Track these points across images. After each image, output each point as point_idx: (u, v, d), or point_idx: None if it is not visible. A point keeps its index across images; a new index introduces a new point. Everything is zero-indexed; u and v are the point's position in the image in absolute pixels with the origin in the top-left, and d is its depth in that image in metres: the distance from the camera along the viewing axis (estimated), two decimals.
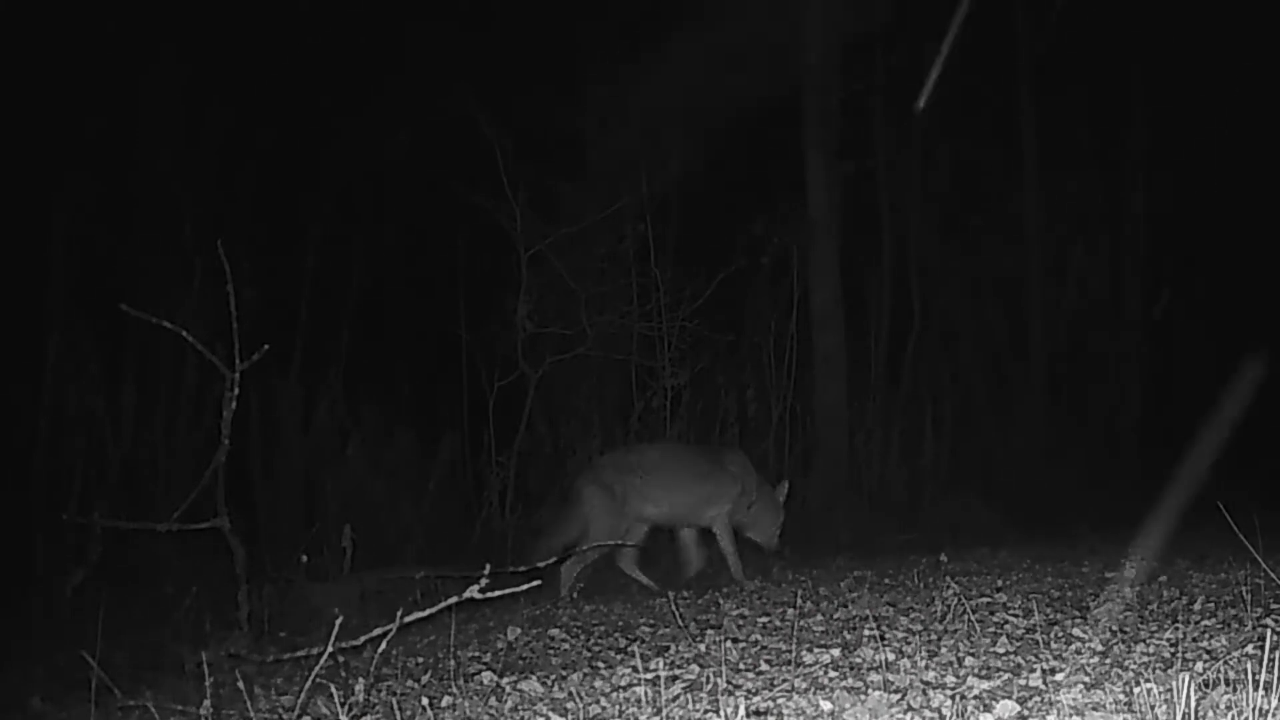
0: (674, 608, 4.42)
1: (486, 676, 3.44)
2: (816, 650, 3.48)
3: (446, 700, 3.19)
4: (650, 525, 5.49)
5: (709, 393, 7.79)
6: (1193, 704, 2.39)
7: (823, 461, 8.00)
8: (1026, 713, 2.62)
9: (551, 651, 3.94)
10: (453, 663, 3.70)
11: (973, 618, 3.76)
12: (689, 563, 5.60)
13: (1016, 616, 3.89)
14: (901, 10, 9.04)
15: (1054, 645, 3.36)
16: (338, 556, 5.32)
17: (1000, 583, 4.72)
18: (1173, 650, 3.19)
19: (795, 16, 8.05)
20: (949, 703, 2.74)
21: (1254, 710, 2.38)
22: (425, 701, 3.15)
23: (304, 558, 5.19)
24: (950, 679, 3.02)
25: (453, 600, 3.56)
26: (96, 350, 6.81)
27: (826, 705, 2.79)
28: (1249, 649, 3.06)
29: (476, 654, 3.94)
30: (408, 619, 3.45)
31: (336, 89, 8.33)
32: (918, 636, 3.63)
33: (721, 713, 2.78)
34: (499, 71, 8.47)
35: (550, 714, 2.96)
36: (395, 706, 3.06)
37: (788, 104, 8.14)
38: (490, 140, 7.37)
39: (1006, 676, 3.00)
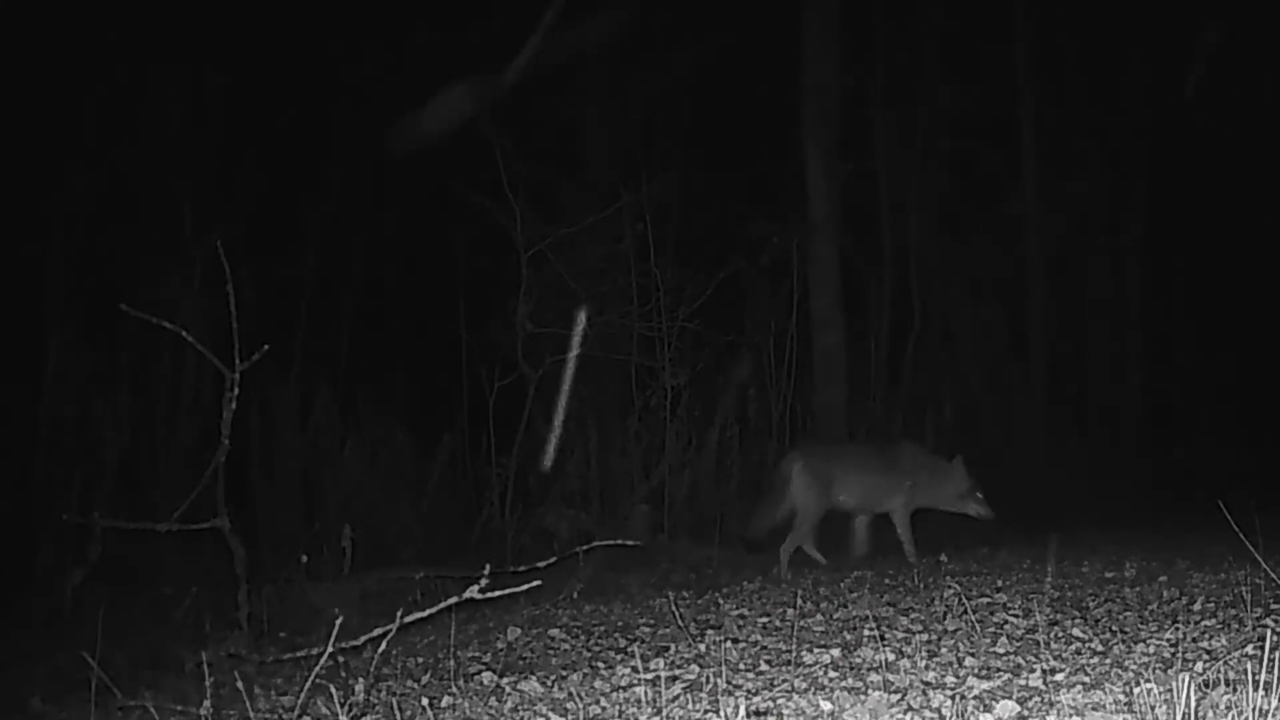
0: (674, 608, 4.41)
1: (486, 676, 3.44)
2: (816, 650, 3.48)
3: (446, 700, 3.19)
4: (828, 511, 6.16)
5: (709, 393, 7.77)
6: (1193, 704, 2.39)
7: None
8: (1026, 713, 2.62)
9: (551, 651, 3.94)
10: (453, 663, 3.70)
11: (973, 618, 3.76)
12: (859, 545, 6.36)
13: (1016, 616, 3.88)
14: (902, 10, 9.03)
15: (1054, 645, 3.36)
16: (338, 556, 5.33)
17: (1000, 583, 4.72)
18: (1173, 650, 3.19)
19: (795, 16, 8.03)
20: (949, 703, 2.74)
21: (1254, 710, 2.38)
22: (425, 701, 3.15)
23: (304, 558, 5.20)
24: (950, 679, 3.02)
25: (453, 600, 3.56)
26: (95, 351, 6.81)
27: (826, 705, 2.79)
28: (1249, 649, 3.06)
29: (476, 654, 3.93)
30: (408, 619, 3.45)
31: (337, 89, 8.33)
32: (918, 636, 3.63)
33: (721, 713, 2.77)
34: (499, 71, 8.46)
35: (550, 714, 2.96)
36: (395, 706, 3.06)
37: (788, 104, 8.13)
38: (490, 140, 7.36)
39: (1006, 676, 3.00)
